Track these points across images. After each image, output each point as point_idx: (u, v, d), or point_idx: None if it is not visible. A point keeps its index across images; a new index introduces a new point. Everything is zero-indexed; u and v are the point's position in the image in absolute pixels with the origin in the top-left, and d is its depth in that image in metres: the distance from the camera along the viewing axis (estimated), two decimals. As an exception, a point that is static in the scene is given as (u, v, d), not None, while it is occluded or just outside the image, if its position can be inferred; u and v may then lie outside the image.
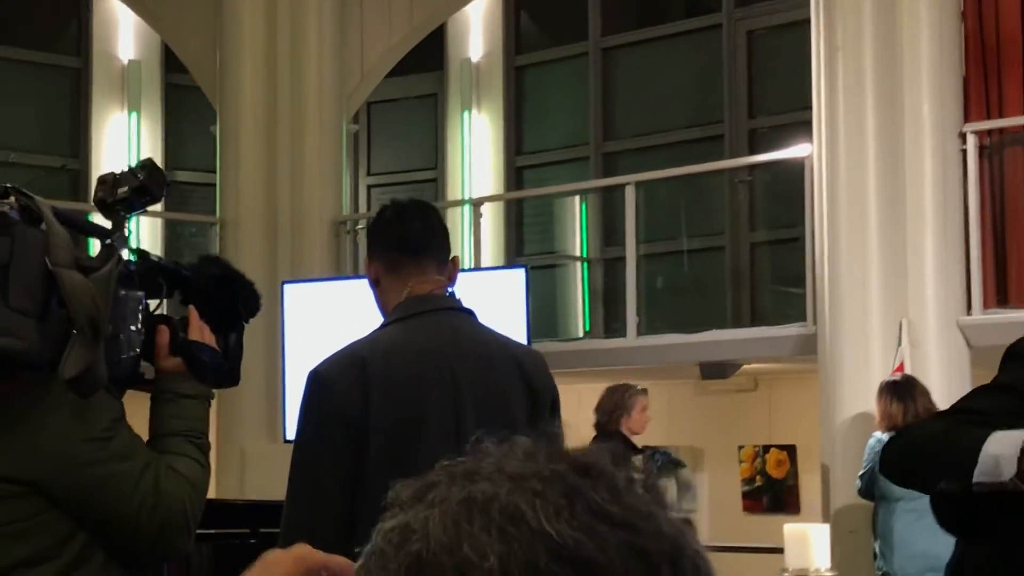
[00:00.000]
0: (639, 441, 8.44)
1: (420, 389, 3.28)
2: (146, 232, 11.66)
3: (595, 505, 0.86)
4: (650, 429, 8.44)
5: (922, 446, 2.86)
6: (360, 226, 11.37)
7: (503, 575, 0.83)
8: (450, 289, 3.46)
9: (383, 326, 3.43)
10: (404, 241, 3.43)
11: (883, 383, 7.68)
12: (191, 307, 3.03)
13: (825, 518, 8.28)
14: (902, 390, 7.52)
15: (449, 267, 3.48)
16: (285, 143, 10.71)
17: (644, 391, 8.28)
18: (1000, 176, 8.64)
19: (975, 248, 8.43)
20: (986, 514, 2.71)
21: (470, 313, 3.48)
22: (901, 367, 8.01)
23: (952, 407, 3.03)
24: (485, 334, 3.46)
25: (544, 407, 3.43)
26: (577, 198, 11.80)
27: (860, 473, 7.65)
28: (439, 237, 3.51)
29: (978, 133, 8.52)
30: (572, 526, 0.85)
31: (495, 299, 8.31)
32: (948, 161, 8.42)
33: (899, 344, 8.16)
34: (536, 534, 0.84)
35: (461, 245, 11.38)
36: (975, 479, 2.65)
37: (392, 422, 3.24)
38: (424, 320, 3.38)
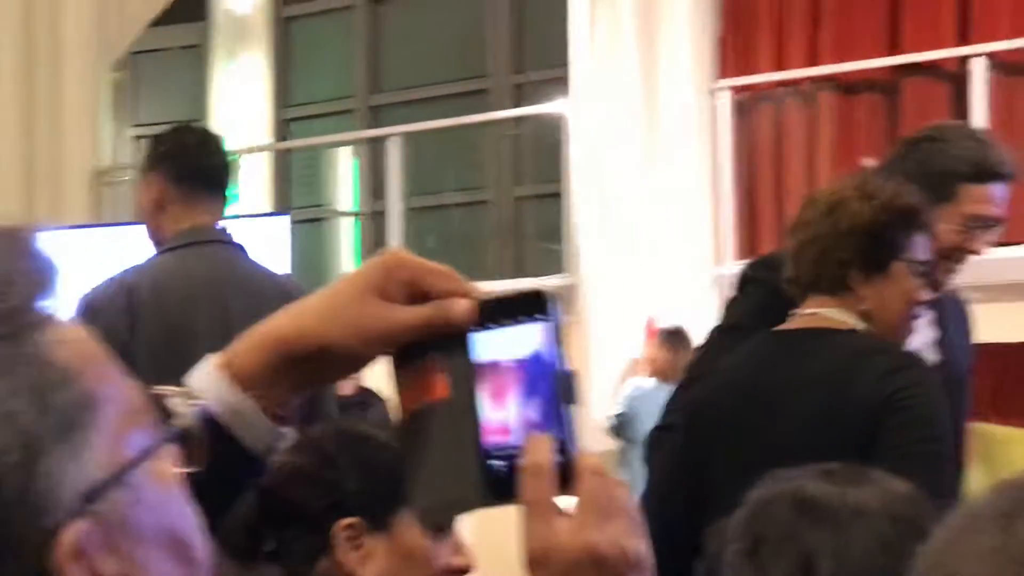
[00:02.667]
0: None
1: (191, 313, 3.33)
2: None
3: None
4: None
5: None
6: (126, 177, 11.18)
7: None
8: (219, 224, 3.53)
9: (157, 255, 3.49)
10: (205, 174, 3.48)
11: (659, 330, 7.89)
12: None
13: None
14: (674, 339, 7.72)
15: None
16: (42, 91, 10.44)
17: None
18: (752, 132, 8.89)
19: (727, 202, 8.67)
20: None
21: (242, 248, 3.54)
22: (652, 322, 8.22)
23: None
24: (256, 268, 3.53)
25: None
26: (348, 152, 11.77)
27: (616, 414, 7.82)
28: (230, 172, 3.61)
29: (732, 89, 8.75)
30: None
31: (259, 246, 8.26)
32: (702, 117, 8.64)
33: (652, 299, 8.38)
34: None
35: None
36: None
37: (159, 346, 3.27)
38: (197, 250, 3.44)
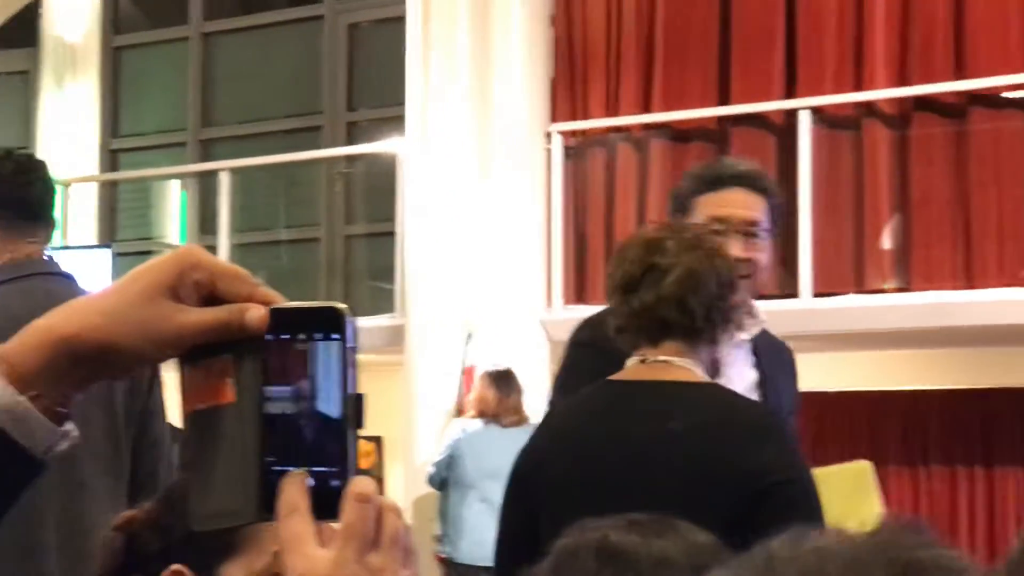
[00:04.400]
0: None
1: None
2: None
3: None
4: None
5: None
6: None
7: None
8: (48, 254, 3.41)
9: None
10: (22, 204, 3.36)
11: (485, 372, 7.90)
12: None
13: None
14: (502, 380, 7.74)
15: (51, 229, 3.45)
16: None
17: None
18: (583, 177, 8.98)
19: (557, 246, 8.73)
20: None
21: (69, 278, 3.42)
22: (471, 369, 8.24)
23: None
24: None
25: (144, 373, 3.40)
26: (177, 185, 11.63)
27: (436, 460, 7.81)
28: (53, 199, 3.47)
29: (563, 134, 8.84)
30: None
31: (82, 279, 8.13)
32: (535, 160, 8.70)
33: (467, 342, 8.39)
34: None
35: (50, 227, 11.05)
36: None
37: None
38: (19, 285, 3.31)
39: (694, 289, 2.66)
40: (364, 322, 9.43)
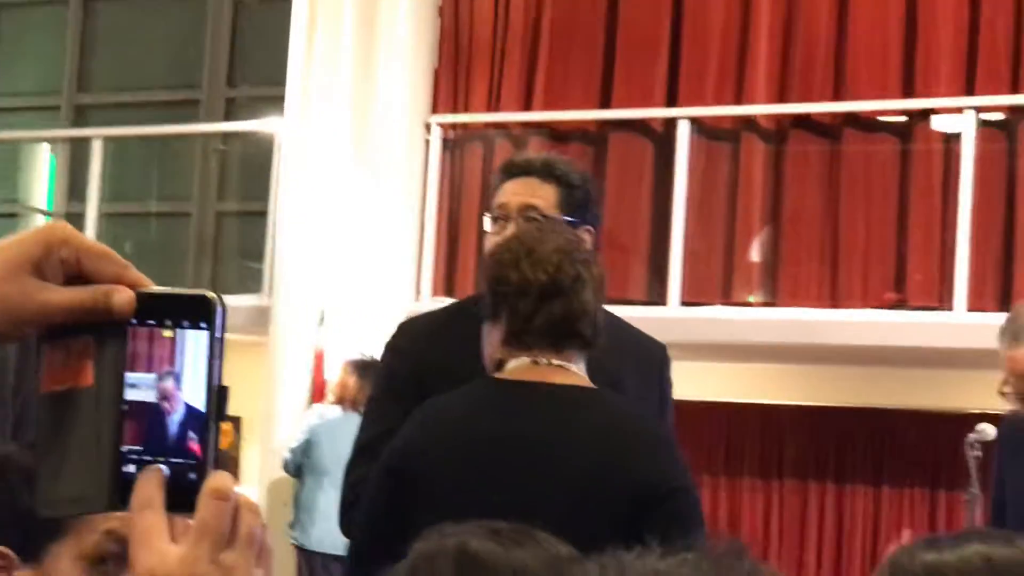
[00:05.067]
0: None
1: None
2: None
3: None
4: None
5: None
6: None
7: None
8: None
9: None
10: None
11: (348, 359, 7.87)
12: None
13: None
14: (364, 368, 7.72)
15: None
16: None
17: None
18: (460, 170, 8.97)
19: (429, 237, 8.71)
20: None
21: None
22: (321, 353, 8.20)
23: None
24: None
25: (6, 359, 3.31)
26: (47, 149, 11.42)
27: (292, 446, 7.75)
28: None
29: (443, 126, 8.81)
30: None
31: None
32: (413, 150, 8.67)
33: (320, 325, 8.35)
34: None
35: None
36: None
37: None
38: None
39: (600, 303, 2.71)
40: (231, 301, 9.30)
